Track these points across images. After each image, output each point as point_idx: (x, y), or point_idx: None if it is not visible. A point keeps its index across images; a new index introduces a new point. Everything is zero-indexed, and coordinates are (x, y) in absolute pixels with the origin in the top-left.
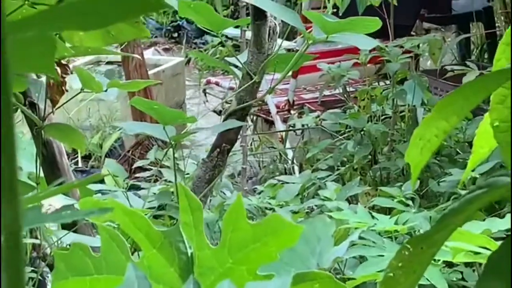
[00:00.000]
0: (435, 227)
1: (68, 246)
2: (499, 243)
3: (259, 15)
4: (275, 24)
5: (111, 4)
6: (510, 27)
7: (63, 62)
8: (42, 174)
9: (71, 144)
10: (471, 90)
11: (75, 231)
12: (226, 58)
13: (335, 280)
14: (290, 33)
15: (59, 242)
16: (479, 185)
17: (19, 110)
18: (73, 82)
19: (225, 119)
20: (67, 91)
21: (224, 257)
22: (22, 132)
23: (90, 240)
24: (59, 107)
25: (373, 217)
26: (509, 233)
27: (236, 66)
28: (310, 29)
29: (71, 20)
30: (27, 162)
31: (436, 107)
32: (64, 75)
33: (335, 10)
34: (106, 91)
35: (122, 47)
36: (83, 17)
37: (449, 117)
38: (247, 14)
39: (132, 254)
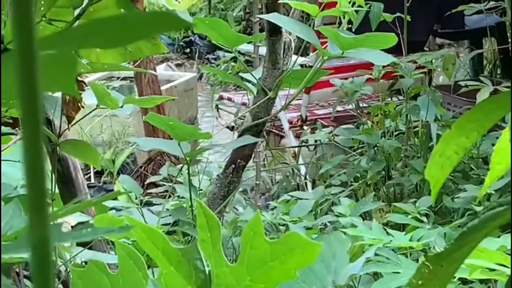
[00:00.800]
0: (455, 244)
1: (82, 263)
2: None
3: (274, 31)
4: (290, 40)
5: (133, 22)
6: None
7: (79, 78)
8: (57, 191)
9: (86, 160)
10: (491, 107)
11: (89, 248)
12: (240, 74)
13: None
14: (304, 49)
15: (73, 259)
16: (499, 202)
17: None
18: (86, 98)
19: (240, 135)
20: (83, 107)
21: (242, 275)
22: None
23: (105, 257)
24: (74, 124)
25: (388, 233)
26: None
27: (250, 82)
28: (325, 45)
29: (93, 39)
30: None
31: (456, 124)
32: (80, 91)
33: (349, 26)
34: (122, 107)
35: (136, 63)
36: (104, 36)
37: (469, 133)
38: (260, 30)
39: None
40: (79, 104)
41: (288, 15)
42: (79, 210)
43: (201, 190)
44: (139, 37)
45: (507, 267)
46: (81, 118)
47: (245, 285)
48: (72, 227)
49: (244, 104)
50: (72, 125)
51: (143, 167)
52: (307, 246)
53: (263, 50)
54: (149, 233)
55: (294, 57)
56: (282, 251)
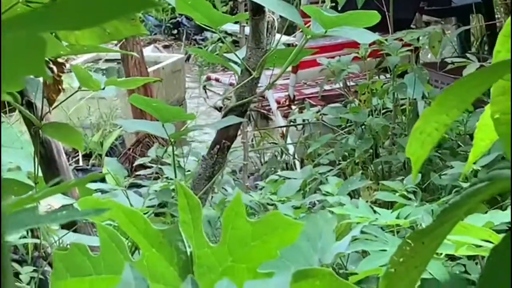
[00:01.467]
0: (436, 221)
1: (68, 246)
2: (501, 235)
3: (257, 10)
4: (274, 19)
5: (104, 1)
6: (510, 18)
7: (60, 60)
8: (41, 174)
9: (69, 143)
10: (471, 83)
11: (75, 231)
12: (225, 54)
13: (336, 276)
14: (290, 28)
15: (60, 241)
16: (480, 178)
17: (16, 109)
18: (73, 81)
19: (224, 116)
20: (63, 90)
21: (224, 256)
22: (21, 131)
23: (90, 239)
24: (56, 106)
25: (374, 211)
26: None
27: (236, 62)
28: (309, 24)
29: (63, 20)
30: (25, 162)
31: (436, 100)
32: (60, 74)
33: (333, 4)
34: (104, 89)
35: (120, 44)
36: (75, 16)
37: (450, 110)
38: (246, 10)
39: (133, 253)
40: (60, 87)
41: None
42: (58, 192)
43: (189, 171)
44: (112, 16)
45: (494, 243)
46: (63, 101)
47: (227, 266)
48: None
49: (231, 84)
50: (53, 108)
51: (131, 149)
52: (288, 225)
53: (249, 30)
54: (130, 215)
55: (278, 36)
56: (264, 231)
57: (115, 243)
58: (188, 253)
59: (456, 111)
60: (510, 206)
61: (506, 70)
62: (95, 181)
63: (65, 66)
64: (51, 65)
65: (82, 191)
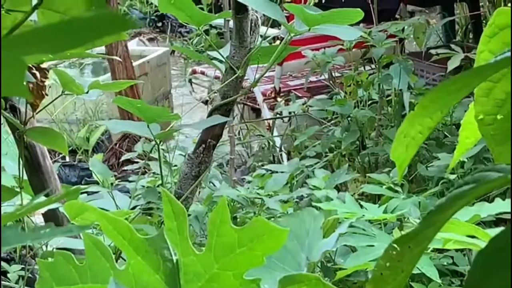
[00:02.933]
0: (422, 224)
1: (53, 250)
2: (487, 230)
3: (240, 8)
4: (257, 17)
5: (78, 27)
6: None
7: (43, 66)
8: (26, 178)
9: (54, 147)
10: (454, 86)
11: None
12: (208, 52)
13: (323, 281)
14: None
15: (46, 244)
16: (466, 180)
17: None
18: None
19: (209, 115)
20: (47, 95)
21: (210, 263)
22: (7, 132)
23: (77, 242)
24: (41, 110)
25: (361, 206)
26: (499, 217)
27: (219, 60)
28: (293, 20)
29: (38, 45)
30: (11, 162)
31: (419, 104)
32: (43, 79)
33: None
34: (87, 93)
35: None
36: (50, 42)
37: (433, 113)
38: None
39: (118, 258)
40: (43, 92)
41: None
42: (44, 206)
43: (175, 166)
44: (85, 41)
45: (479, 239)
46: (47, 105)
47: (213, 273)
48: (42, 214)
49: (217, 77)
50: (37, 113)
51: (117, 144)
52: (274, 232)
53: (233, 28)
54: (114, 224)
55: (263, 29)
56: (249, 237)
57: (100, 251)
58: (174, 261)
59: (440, 114)
60: (496, 198)
61: (489, 73)
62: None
63: (47, 72)
64: (34, 71)
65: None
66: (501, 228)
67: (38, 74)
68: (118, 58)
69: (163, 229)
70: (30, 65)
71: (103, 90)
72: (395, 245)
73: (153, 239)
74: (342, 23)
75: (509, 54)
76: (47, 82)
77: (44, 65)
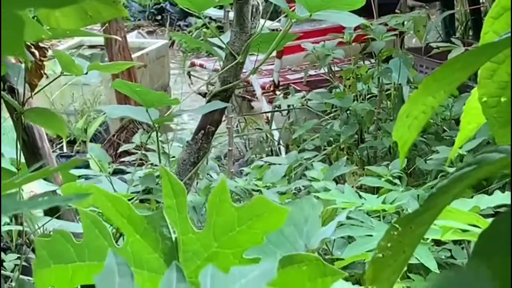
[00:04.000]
0: (424, 205)
1: (50, 233)
2: (488, 220)
3: None
4: (258, 3)
5: None
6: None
7: (42, 44)
8: (23, 160)
9: (52, 129)
10: (458, 65)
11: (58, 217)
12: (209, 39)
13: (323, 262)
14: (274, 13)
15: (43, 228)
16: (467, 162)
17: None
18: (56, 67)
19: (208, 101)
20: (46, 75)
21: (209, 241)
22: (4, 117)
23: (74, 226)
24: (38, 92)
25: (360, 196)
26: (498, 210)
27: (220, 47)
28: (293, 8)
29: None
30: (9, 148)
31: (422, 83)
32: (42, 58)
33: None
34: (86, 73)
35: (103, 30)
36: None
37: (436, 93)
38: None
39: (118, 239)
40: (42, 71)
41: None
42: (40, 177)
43: (173, 157)
44: None
45: (479, 228)
46: (45, 86)
47: (212, 251)
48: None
49: (216, 70)
50: (35, 93)
51: (115, 135)
52: (274, 210)
53: (233, 15)
54: (113, 201)
55: (262, 21)
56: (249, 216)
57: (99, 229)
58: (173, 239)
59: (443, 93)
60: (496, 191)
61: (493, 52)
62: (79, 167)
63: (47, 51)
64: (33, 50)
65: (66, 178)
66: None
67: (37, 53)
68: (118, 38)
69: (162, 207)
70: (29, 44)
71: (102, 71)
72: (397, 226)
73: (152, 217)
74: (344, 9)
75: None
76: (48, 69)
77: (42, 44)
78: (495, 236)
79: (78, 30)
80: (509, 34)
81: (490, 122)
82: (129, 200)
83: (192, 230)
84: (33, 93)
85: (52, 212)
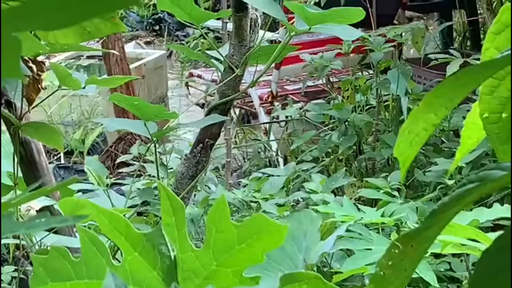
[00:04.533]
0: (425, 223)
1: (47, 248)
2: (488, 234)
3: (240, 7)
4: (257, 16)
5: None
6: (494, 15)
7: (39, 59)
8: (20, 174)
9: (49, 143)
10: (460, 82)
11: (55, 231)
12: (207, 51)
13: (323, 280)
14: (273, 24)
15: (40, 242)
16: (469, 179)
17: None
18: (54, 78)
19: (207, 114)
20: (43, 89)
21: (208, 260)
22: (1, 130)
23: (71, 241)
24: (35, 106)
25: (359, 209)
26: (497, 223)
27: (218, 59)
28: (292, 20)
29: (40, 19)
30: (5, 161)
31: (424, 100)
32: (40, 73)
33: (317, 0)
34: (84, 88)
35: (101, 41)
36: (52, 15)
37: (438, 109)
38: (229, 5)
39: (115, 253)
40: (39, 86)
41: None
42: (38, 197)
43: (171, 168)
44: (89, 16)
45: (479, 242)
46: (43, 100)
47: (212, 270)
48: (36, 211)
49: (214, 81)
50: (33, 108)
51: (113, 146)
52: (274, 228)
53: (231, 26)
54: (111, 219)
55: (261, 32)
56: (249, 234)
57: (97, 246)
58: (172, 257)
59: (444, 110)
60: (495, 203)
61: (495, 69)
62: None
63: (44, 65)
64: (31, 64)
65: (63, 191)
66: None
67: (34, 68)
68: (116, 53)
69: (160, 224)
70: (27, 58)
71: (100, 85)
72: (398, 244)
73: (151, 234)
74: (343, 22)
75: None
76: (43, 76)
77: (40, 59)
78: (498, 254)
79: (76, 45)
80: (510, 51)
81: (491, 138)
82: (126, 214)
83: (192, 248)
84: (30, 108)
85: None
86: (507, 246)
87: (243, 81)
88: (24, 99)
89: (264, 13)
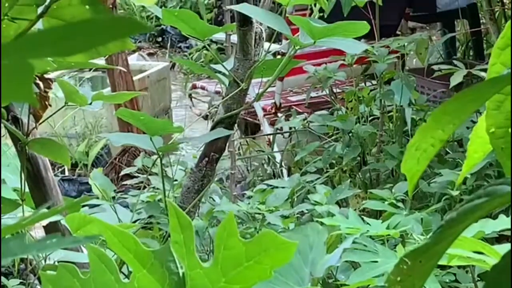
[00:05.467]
0: (433, 238)
1: (55, 263)
2: (494, 246)
3: (244, 21)
4: (261, 30)
5: (93, 28)
6: (497, 25)
7: (46, 76)
8: (27, 190)
9: (56, 158)
10: (467, 99)
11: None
12: (211, 65)
13: None
14: (277, 35)
15: (46, 257)
16: (477, 194)
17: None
18: (58, 90)
19: (212, 128)
20: (50, 105)
21: (217, 277)
22: (7, 145)
23: (78, 256)
24: (42, 122)
25: (364, 221)
26: (501, 233)
27: (222, 72)
28: (297, 33)
29: (48, 48)
30: (11, 175)
31: (431, 116)
32: (47, 90)
33: (321, 14)
34: (91, 104)
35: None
36: (65, 43)
37: (445, 126)
38: (231, 17)
39: (121, 268)
40: (47, 102)
41: (258, 5)
42: (46, 218)
43: (176, 181)
44: (96, 44)
45: (485, 255)
46: (49, 117)
47: (220, 287)
48: (44, 227)
49: (217, 92)
50: (40, 124)
51: (117, 159)
52: (282, 245)
53: (235, 38)
54: (119, 236)
55: (266, 44)
56: (257, 251)
57: (105, 263)
58: (180, 274)
59: (452, 126)
60: (501, 214)
61: (502, 85)
62: (79, 196)
63: (51, 82)
64: (38, 81)
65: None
66: (508, 244)
67: (41, 85)
68: (121, 68)
69: (169, 242)
70: (34, 75)
71: (107, 101)
72: (406, 259)
73: (159, 252)
74: (348, 36)
75: None
76: (50, 93)
77: (47, 75)
78: (507, 270)
79: (83, 62)
80: None
81: (498, 153)
82: (133, 228)
83: (200, 265)
84: (37, 124)
85: None
86: None
87: (248, 93)
88: (31, 115)
89: (268, 27)
